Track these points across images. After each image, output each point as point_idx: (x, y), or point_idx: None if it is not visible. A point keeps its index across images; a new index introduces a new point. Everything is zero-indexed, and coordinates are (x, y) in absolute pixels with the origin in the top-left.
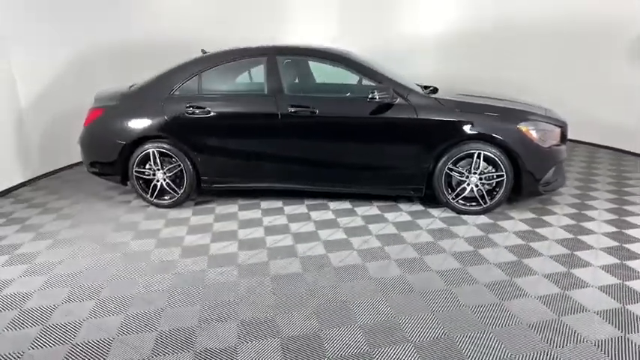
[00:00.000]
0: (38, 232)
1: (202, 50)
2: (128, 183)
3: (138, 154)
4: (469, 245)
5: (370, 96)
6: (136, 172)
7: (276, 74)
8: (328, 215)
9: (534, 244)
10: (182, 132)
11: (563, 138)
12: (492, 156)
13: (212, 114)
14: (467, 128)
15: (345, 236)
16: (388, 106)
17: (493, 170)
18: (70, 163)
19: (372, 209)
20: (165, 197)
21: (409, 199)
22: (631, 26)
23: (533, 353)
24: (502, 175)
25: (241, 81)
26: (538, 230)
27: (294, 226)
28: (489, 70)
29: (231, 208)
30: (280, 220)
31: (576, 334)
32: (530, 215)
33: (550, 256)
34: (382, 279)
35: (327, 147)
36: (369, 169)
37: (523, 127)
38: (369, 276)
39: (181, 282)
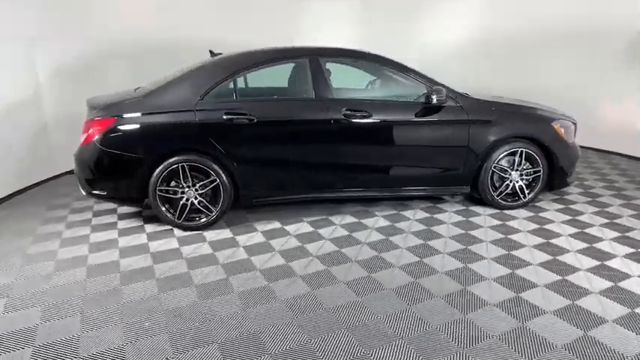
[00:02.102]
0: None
1: (210, 51)
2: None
3: (163, 171)
4: (538, 237)
5: (433, 98)
6: (159, 191)
7: (323, 77)
8: (382, 222)
9: (589, 231)
10: (221, 142)
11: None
12: (532, 153)
13: (257, 121)
14: (512, 128)
15: (421, 241)
16: (438, 109)
17: (530, 166)
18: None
19: (418, 213)
20: (196, 218)
21: (442, 200)
22: None
23: None
24: (539, 171)
25: (283, 84)
26: (578, 218)
27: (361, 236)
28: (500, 76)
29: (272, 223)
30: (339, 231)
31: None
32: (558, 206)
33: (611, 239)
34: (494, 278)
35: (380, 151)
36: (422, 171)
37: (555, 125)
38: (483, 277)
39: (298, 311)
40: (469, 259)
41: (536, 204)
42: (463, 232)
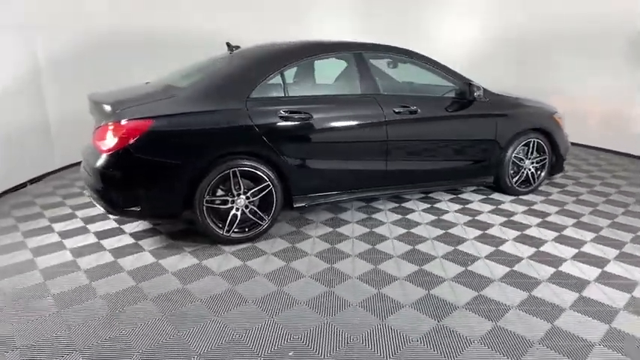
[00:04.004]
0: None
1: (227, 44)
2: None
3: (212, 178)
4: (569, 217)
5: (474, 94)
6: (207, 202)
7: (369, 73)
8: (427, 216)
9: (601, 208)
10: (276, 143)
11: None
12: (542, 143)
13: (313, 119)
14: (529, 121)
15: (479, 231)
16: (469, 103)
17: (537, 155)
18: None
19: (450, 205)
20: (245, 229)
21: (458, 191)
22: None
23: None
24: (544, 159)
25: (329, 80)
26: (582, 197)
27: (421, 231)
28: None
29: (321, 228)
30: (395, 229)
31: None
32: (556, 189)
33: (622, 214)
34: (571, 258)
35: (426, 147)
36: (458, 164)
37: (555, 117)
38: (562, 258)
39: (432, 314)
40: (535, 244)
41: (540, 189)
42: (506, 219)
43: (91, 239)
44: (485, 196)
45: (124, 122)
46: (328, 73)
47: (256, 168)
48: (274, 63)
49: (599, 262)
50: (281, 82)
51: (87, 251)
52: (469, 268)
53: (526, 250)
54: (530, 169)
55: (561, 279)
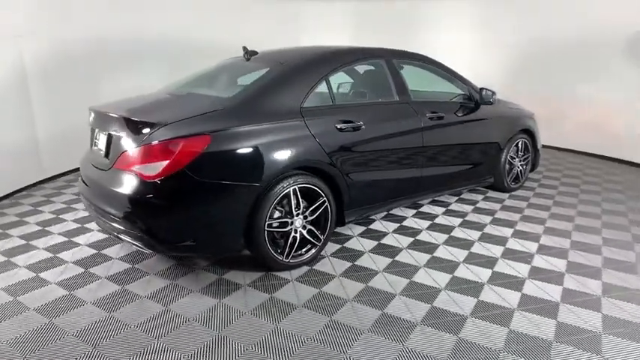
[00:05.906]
0: None
1: (244, 48)
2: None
3: (274, 199)
4: (572, 209)
5: (491, 99)
6: (268, 226)
7: (401, 79)
8: (453, 220)
9: (583, 196)
10: (334, 156)
11: None
12: (527, 142)
13: (364, 128)
14: (521, 123)
15: (510, 229)
16: (477, 108)
17: (523, 154)
18: None
19: (462, 206)
20: (302, 252)
21: (458, 192)
22: None
23: None
24: (528, 156)
25: (365, 87)
26: (562, 189)
27: (459, 234)
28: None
29: (363, 242)
30: (437, 235)
31: None
32: (535, 184)
33: (602, 199)
34: (604, 245)
35: (451, 151)
36: (474, 166)
37: (534, 117)
38: (596, 246)
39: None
40: (565, 234)
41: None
42: (520, 214)
43: (111, 286)
44: (483, 195)
45: (175, 140)
46: (362, 80)
47: (314, 184)
48: (319, 69)
49: (627, 245)
50: (327, 90)
51: (116, 300)
52: (533, 264)
53: (564, 242)
54: (519, 167)
55: (614, 265)
